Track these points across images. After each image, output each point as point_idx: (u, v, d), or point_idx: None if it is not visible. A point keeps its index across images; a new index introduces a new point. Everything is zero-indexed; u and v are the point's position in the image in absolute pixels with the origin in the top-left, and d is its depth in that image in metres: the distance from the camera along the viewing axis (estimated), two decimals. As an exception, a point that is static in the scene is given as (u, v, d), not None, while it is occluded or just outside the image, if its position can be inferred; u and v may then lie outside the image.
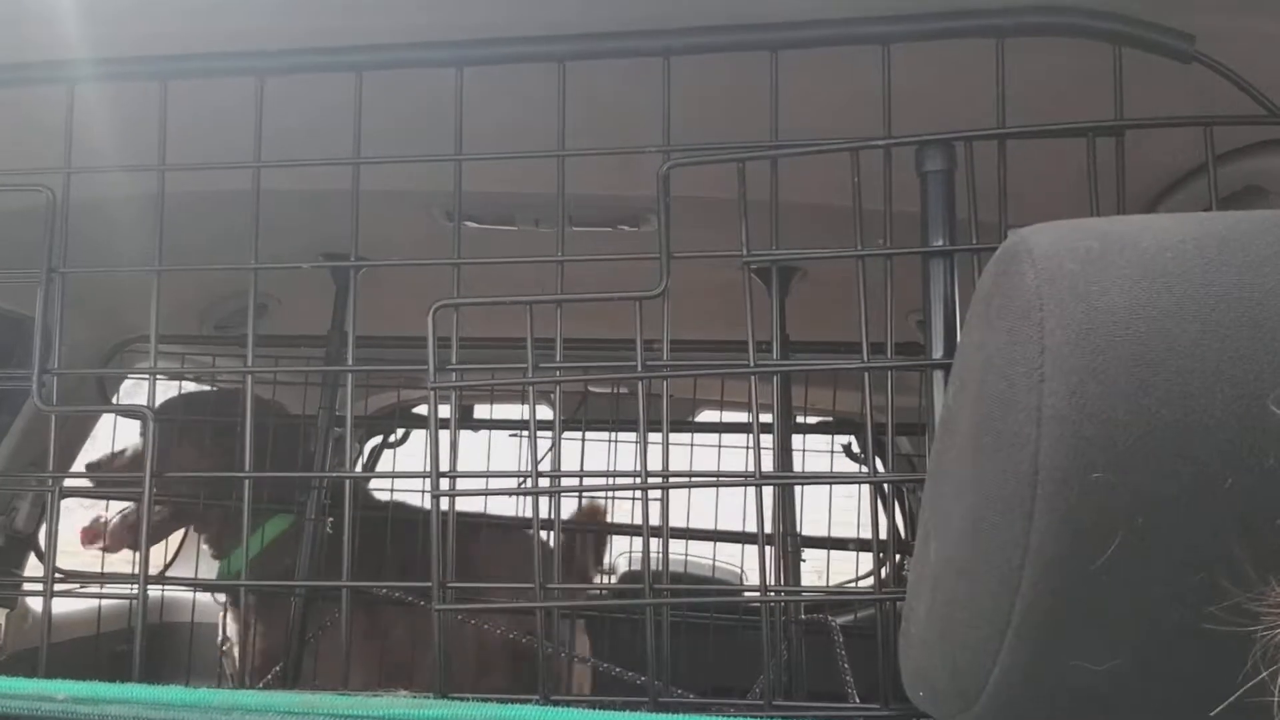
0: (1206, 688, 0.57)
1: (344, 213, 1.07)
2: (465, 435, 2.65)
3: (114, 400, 2.40)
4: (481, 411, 2.95)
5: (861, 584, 2.90)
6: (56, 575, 1.15)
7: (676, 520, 2.60)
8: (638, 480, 1.00)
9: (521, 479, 1.01)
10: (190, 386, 2.58)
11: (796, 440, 2.44)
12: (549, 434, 1.17)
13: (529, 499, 1.03)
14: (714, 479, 1.14)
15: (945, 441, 0.67)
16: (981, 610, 0.60)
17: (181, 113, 1.08)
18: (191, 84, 1.08)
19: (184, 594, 2.85)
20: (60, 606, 2.37)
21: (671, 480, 1.01)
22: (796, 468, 2.17)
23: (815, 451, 2.58)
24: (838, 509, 2.58)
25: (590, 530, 2.58)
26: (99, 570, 2.27)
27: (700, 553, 2.95)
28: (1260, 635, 0.54)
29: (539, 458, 1.03)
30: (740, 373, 1.01)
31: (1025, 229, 0.63)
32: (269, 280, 1.99)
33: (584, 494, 2.46)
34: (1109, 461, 0.55)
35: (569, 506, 2.52)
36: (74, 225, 1.10)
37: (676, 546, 2.65)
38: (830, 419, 2.68)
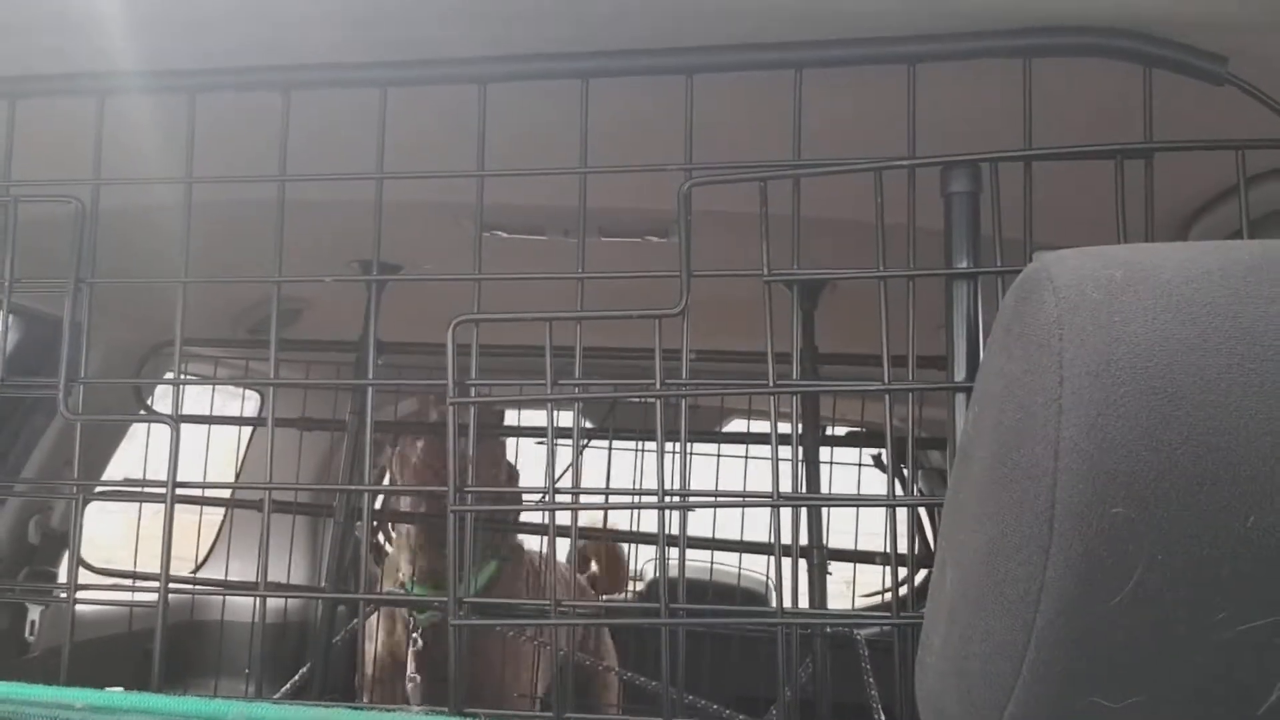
0: (1226, 727, 0.56)
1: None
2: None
3: (149, 401, 2.42)
4: (509, 417, 2.95)
5: (886, 597, 2.88)
6: (82, 578, 1.16)
7: (701, 531, 2.60)
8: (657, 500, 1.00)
9: (542, 494, 1.01)
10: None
11: (824, 451, 2.42)
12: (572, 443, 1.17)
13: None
14: (731, 499, 1.13)
15: (963, 470, 0.66)
16: (997, 644, 0.59)
17: (212, 123, 1.08)
18: (220, 96, 1.09)
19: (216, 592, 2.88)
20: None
21: (690, 500, 1.01)
22: (823, 479, 2.16)
23: (843, 463, 2.56)
24: (867, 518, 2.56)
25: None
26: (130, 569, 2.29)
27: (726, 560, 2.94)
28: None
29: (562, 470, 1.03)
30: (760, 392, 1.00)
31: (1047, 255, 0.62)
32: (302, 285, 2.01)
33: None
34: (1128, 496, 0.54)
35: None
36: (109, 229, 1.11)
37: (702, 555, 2.64)
38: (860, 429, 2.66)
